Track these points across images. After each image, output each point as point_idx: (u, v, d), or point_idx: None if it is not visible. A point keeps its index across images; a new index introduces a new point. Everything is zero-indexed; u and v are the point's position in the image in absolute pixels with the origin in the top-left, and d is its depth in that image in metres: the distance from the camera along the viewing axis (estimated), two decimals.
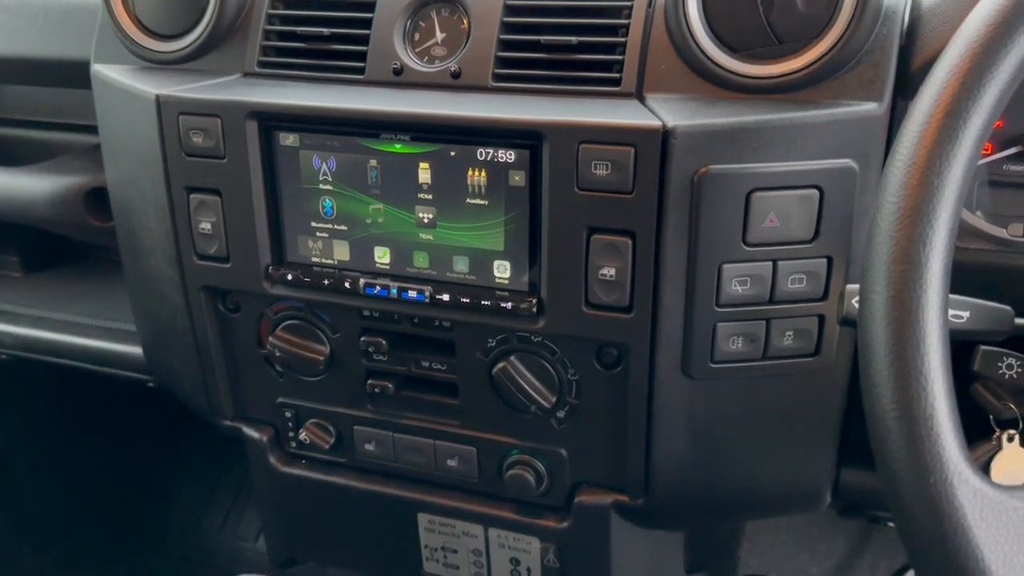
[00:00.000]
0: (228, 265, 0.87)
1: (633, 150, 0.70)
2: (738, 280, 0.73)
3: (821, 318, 0.75)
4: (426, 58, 0.83)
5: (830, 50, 0.70)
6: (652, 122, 0.70)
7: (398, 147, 0.78)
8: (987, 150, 0.78)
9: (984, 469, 0.74)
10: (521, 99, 0.78)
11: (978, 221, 0.77)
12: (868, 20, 0.70)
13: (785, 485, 0.86)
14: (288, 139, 0.82)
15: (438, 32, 0.83)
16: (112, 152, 0.94)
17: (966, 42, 0.51)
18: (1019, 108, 0.76)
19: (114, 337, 1.12)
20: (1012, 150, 0.77)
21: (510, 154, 0.75)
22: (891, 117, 0.72)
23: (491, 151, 0.76)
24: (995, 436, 0.76)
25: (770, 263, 0.72)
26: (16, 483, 1.57)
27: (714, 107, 0.72)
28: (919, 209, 0.50)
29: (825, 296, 0.74)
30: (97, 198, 1.05)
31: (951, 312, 0.56)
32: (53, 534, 1.62)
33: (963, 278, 0.59)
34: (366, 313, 0.87)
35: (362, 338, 0.87)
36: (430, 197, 0.79)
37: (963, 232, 0.77)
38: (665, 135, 0.69)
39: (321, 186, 0.82)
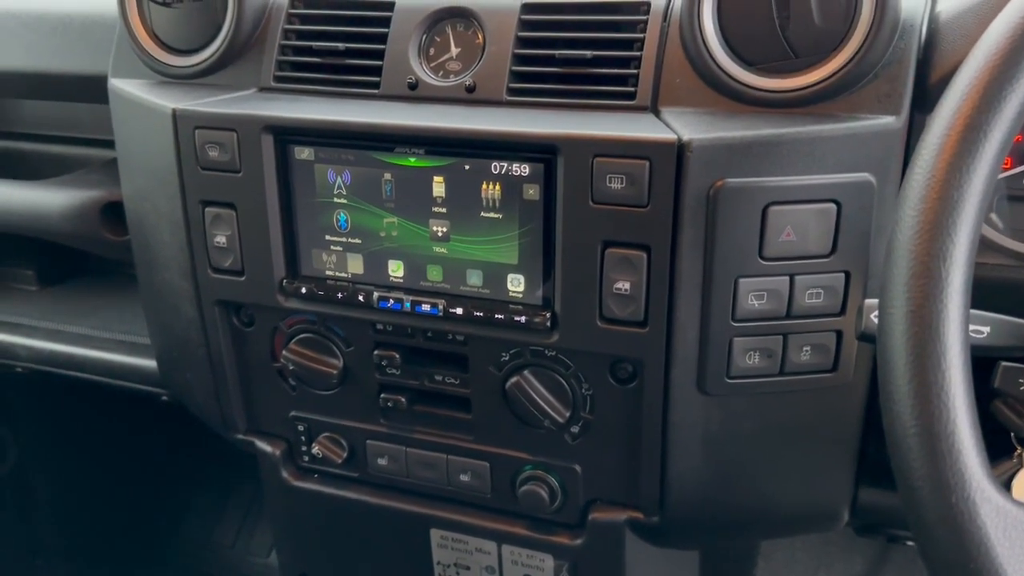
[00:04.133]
0: (242, 278, 0.87)
1: (648, 164, 0.70)
2: (754, 295, 0.72)
3: (839, 333, 0.74)
4: (441, 72, 0.83)
5: (847, 64, 0.70)
6: (667, 135, 0.70)
7: (412, 161, 0.78)
8: (1006, 164, 0.77)
9: (1006, 487, 0.73)
10: (536, 113, 0.77)
11: (998, 236, 0.76)
12: (885, 34, 0.69)
13: (802, 503, 0.85)
14: (303, 153, 0.82)
15: (453, 47, 0.83)
16: (128, 166, 0.94)
17: (986, 55, 0.51)
18: None
19: (128, 350, 1.13)
20: None
21: (524, 168, 0.75)
22: (909, 131, 0.71)
23: (505, 165, 0.76)
24: (1016, 454, 0.74)
25: (787, 278, 0.72)
26: (32, 496, 1.58)
27: (730, 121, 0.72)
28: (939, 223, 0.49)
29: (843, 311, 0.73)
30: (113, 212, 1.05)
31: (971, 327, 0.55)
32: (66, 548, 1.62)
33: (983, 294, 0.58)
34: (379, 327, 0.86)
35: (375, 352, 0.87)
36: (444, 210, 0.79)
37: (983, 247, 0.76)
38: (680, 148, 0.69)
39: (336, 199, 0.82)
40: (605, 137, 0.71)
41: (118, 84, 0.92)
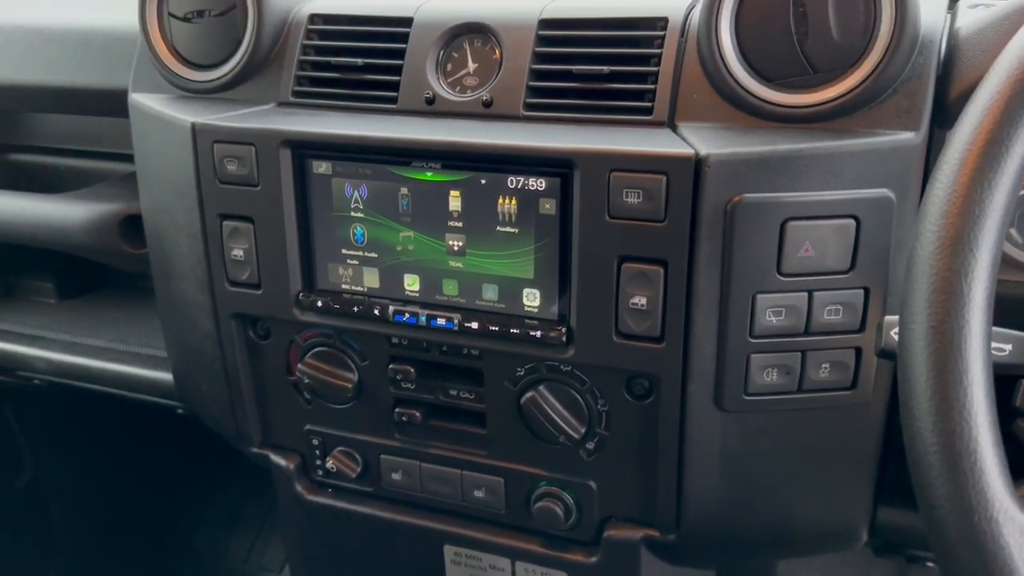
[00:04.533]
0: (259, 292, 0.87)
1: (665, 178, 0.70)
2: (772, 311, 0.71)
3: (858, 351, 0.73)
4: (458, 87, 0.83)
5: (866, 80, 0.70)
6: (684, 150, 0.69)
7: (429, 175, 0.79)
8: None
9: None
10: (552, 128, 0.78)
11: (1019, 253, 0.75)
12: (904, 50, 0.69)
13: (820, 522, 0.84)
14: (321, 167, 0.82)
15: (470, 62, 0.83)
16: (147, 179, 0.95)
17: (1007, 70, 0.50)
18: None
19: (145, 363, 1.13)
20: None
21: (540, 182, 0.75)
22: (928, 146, 0.71)
23: (522, 179, 0.76)
24: None
25: (805, 294, 0.71)
26: (47, 508, 1.58)
27: (748, 136, 0.72)
28: (960, 238, 0.48)
29: (862, 328, 0.72)
30: (132, 225, 1.06)
31: (993, 345, 0.54)
32: (79, 559, 1.63)
33: (1005, 311, 0.58)
34: (395, 340, 0.86)
35: (390, 365, 0.87)
36: (460, 225, 0.79)
37: (1004, 264, 0.75)
38: (698, 163, 0.69)
39: (352, 213, 0.82)
40: (622, 152, 0.71)
41: (138, 98, 0.93)
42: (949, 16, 0.77)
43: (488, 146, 0.76)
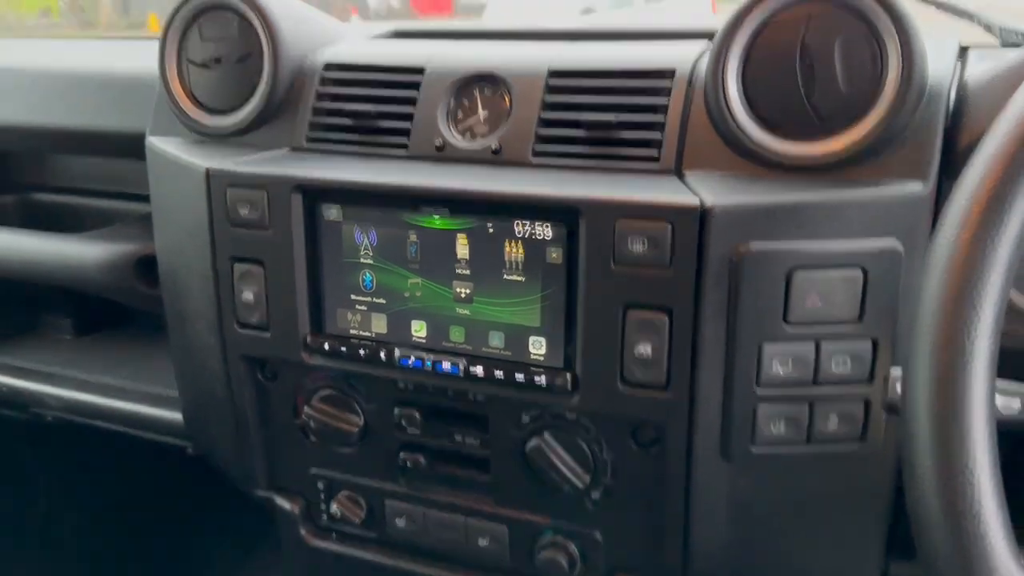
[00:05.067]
0: (268, 334, 0.88)
1: (671, 227, 0.70)
2: (779, 360, 0.71)
3: (867, 402, 0.72)
4: (468, 134, 0.84)
5: (873, 131, 0.70)
6: (690, 200, 0.69)
7: (437, 221, 0.79)
8: None
9: None
10: (560, 175, 0.78)
11: None
12: (912, 100, 0.69)
13: (830, 575, 0.82)
14: (331, 212, 0.83)
15: (480, 110, 0.84)
16: (162, 221, 0.96)
17: (1014, 119, 0.50)
18: None
19: (156, 402, 1.13)
20: None
21: (547, 230, 0.75)
22: (936, 197, 0.70)
23: (528, 226, 0.76)
24: None
25: (813, 344, 0.70)
26: (59, 545, 1.58)
27: (754, 185, 0.72)
28: (963, 294, 0.48)
29: (871, 379, 0.71)
30: (147, 265, 1.07)
31: (1002, 401, 0.53)
32: None
33: (1017, 364, 0.57)
34: (401, 385, 0.86)
35: (396, 410, 0.87)
36: (468, 272, 0.79)
37: (1012, 316, 0.74)
38: (703, 213, 0.69)
39: (362, 259, 0.83)
40: (628, 200, 0.71)
41: (156, 142, 0.95)
42: (959, 65, 0.77)
43: (494, 193, 0.76)
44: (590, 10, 6.88)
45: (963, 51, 0.82)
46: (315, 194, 0.83)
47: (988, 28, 0.96)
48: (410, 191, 0.79)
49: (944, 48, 0.78)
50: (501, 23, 1.11)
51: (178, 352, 1.01)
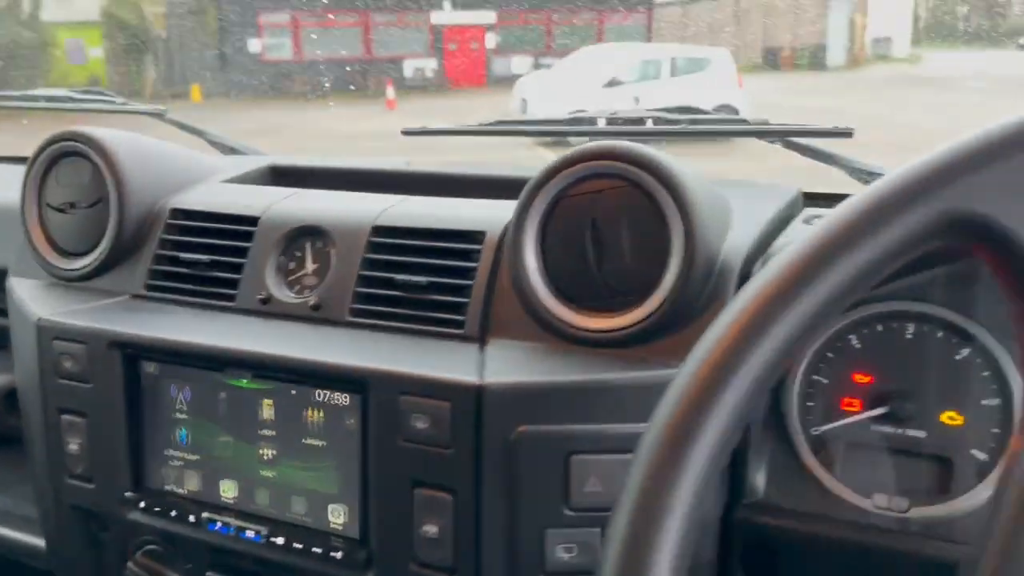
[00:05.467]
0: (92, 487, 0.86)
1: (450, 405, 0.68)
2: (564, 547, 0.67)
3: None
4: (297, 287, 0.83)
5: (661, 305, 0.67)
6: (467, 378, 0.67)
7: (244, 382, 0.78)
8: (855, 407, 0.72)
9: None
10: (366, 339, 0.77)
11: (841, 489, 0.70)
12: (698, 275, 0.67)
13: None
14: (150, 367, 0.82)
15: (309, 263, 0.84)
16: (16, 362, 0.96)
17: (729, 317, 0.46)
18: (888, 362, 0.71)
19: (19, 526, 1.11)
20: (880, 410, 0.70)
21: (345, 397, 0.74)
22: None
23: (327, 393, 0.74)
24: None
25: (599, 530, 0.67)
26: None
27: (546, 361, 0.69)
28: (643, 527, 0.45)
29: None
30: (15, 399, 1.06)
31: None
32: None
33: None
34: (214, 546, 0.84)
35: (207, 573, 0.84)
36: (273, 434, 0.77)
37: (826, 501, 0.70)
38: (479, 391, 0.67)
39: (177, 415, 0.81)
40: (410, 375, 0.69)
41: (14, 283, 0.96)
42: (755, 237, 0.74)
43: (292, 359, 0.75)
44: (616, 82, 6.93)
45: (784, 221, 0.80)
46: (134, 350, 0.82)
47: (850, 172, 0.94)
48: (217, 354, 0.78)
49: (755, 212, 0.76)
50: (374, 161, 1.11)
51: (35, 487, 0.99)
